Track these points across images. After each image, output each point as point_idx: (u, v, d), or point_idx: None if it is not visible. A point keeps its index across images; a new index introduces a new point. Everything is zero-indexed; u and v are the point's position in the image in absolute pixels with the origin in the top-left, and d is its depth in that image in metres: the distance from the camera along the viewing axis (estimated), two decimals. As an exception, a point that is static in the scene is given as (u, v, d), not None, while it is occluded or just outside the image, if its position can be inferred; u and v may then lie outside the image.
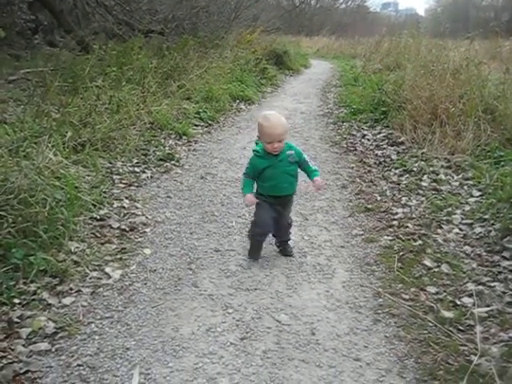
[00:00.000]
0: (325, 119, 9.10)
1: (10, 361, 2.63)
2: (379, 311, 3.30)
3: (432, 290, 3.50)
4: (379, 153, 6.67)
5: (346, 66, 17.99)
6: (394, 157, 6.38)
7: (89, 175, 4.97)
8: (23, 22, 12.34)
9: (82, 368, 2.66)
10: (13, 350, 2.71)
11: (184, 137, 6.89)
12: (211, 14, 14.25)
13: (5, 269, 3.25)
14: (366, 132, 7.75)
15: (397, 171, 5.89)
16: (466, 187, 5.19)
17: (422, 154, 6.14)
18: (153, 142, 6.34)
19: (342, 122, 8.62)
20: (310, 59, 21.35)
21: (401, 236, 4.29)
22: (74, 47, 10.01)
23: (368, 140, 7.38)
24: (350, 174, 6.02)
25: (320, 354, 2.89)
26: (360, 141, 7.40)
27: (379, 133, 7.49)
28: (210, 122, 7.95)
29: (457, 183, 5.33)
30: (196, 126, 7.58)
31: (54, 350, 2.77)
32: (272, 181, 3.63)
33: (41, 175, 3.99)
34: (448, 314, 3.21)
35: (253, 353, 2.85)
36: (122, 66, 7.94)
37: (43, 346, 2.78)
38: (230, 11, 15.08)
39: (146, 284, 3.48)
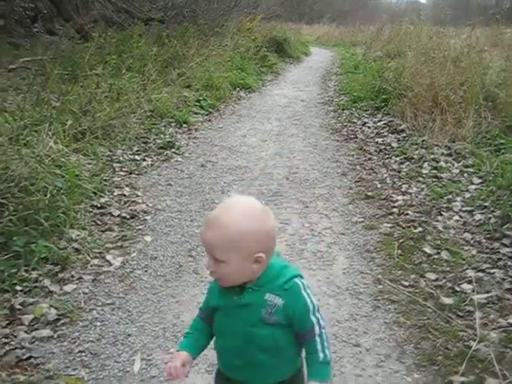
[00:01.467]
0: (325, 107, 9.09)
1: (12, 347, 2.65)
2: (379, 297, 3.32)
3: (432, 276, 3.52)
4: (380, 140, 6.67)
5: (347, 53, 17.92)
6: (394, 144, 6.38)
7: (89, 163, 4.98)
8: (22, 11, 12.29)
9: (84, 354, 2.68)
10: (15, 336, 2.73)
11: (184, 125, 6.89)
12: (211, 2, 14.18)
13: (6, 256, 3.27)
14: (366, 120, 7.74)
15: (397, 159, 5.89)
16: (466, 174, 5.20)
17: (423, 141, 6.14)
18: (153, 130, 6.34)
19: (343, 109, 8.61)
20: (311, 47, 21.27)
21: (401, 223, 4.30)
22: (74, 35, 9.98)
23: (368, 128, 7.37)
24: (351, 161, 6.03)
25: (320, 340, 2.90)
26: (360, 128, 7.39)
27: (380, 120, 7.48)
28: (210, 110, 7.94)
29: (457, 170, 5.33)
30: (196, 114, 7.57)
31: (56, 336, 2.79)
32: (222, 340, 1.67)
33: (41, 163, 4.00)
34: (447, 301, 3.22)
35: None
36: (122, 53, 7.93)
37: (45, 332, 2.80)
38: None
39: (146, 271, 3.50)
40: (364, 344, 2.89)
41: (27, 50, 9.19)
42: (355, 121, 7.81)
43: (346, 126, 7.65)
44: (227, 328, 1.63)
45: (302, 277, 1.60)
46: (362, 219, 4.46)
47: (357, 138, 7.02)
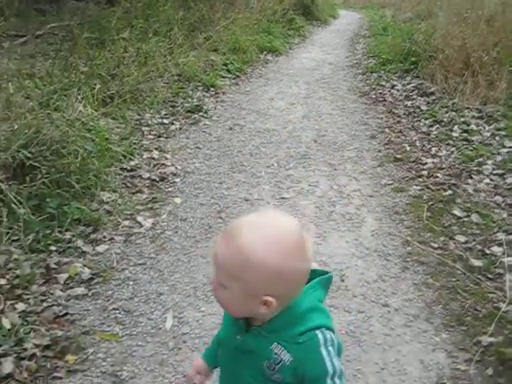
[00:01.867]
0: (353, 70, 8.96)
1: (49, 304, 2.73)
2: (408, 259, 3.33)
3: (461, 239, 3.51)
4: (409, 103, 6.57)
5: (375, 15, 17.54)
6: (423, 107, 6.29)
7: (118, 127, 5.02)
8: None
9: (117, 311, 2.75)
10: (52, 294, 2.82)
11: (212, 88, 6.86)
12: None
13: (40, 218, 3.34)
14: (395, 82, 7.62)
15: (427, 122, 5.81)
16: (497, 138, 5.11)
17: (453, 104, 6.04)
18: (180, 93, 6.34)
19: (371, 72, 8.48)
20: (339, 9, 20.86)
21: (430, 186, 4.27)
22: (100, 0, 9.94)
23: (397, 90, 7.26)
24: (379, 124, 5.96)
25: (349, 300, 2.94)
26: (389, 91, 7.29)
27: (409, 83, 7.36)
28: (237, 73, 7.88)
29: (488, 133, 5.24)
30: (223, 77, 7.53)
31: (90, 294, 2.87)
32: (222, 378, 1.41)
33: (72, 127, 4.04)
34: (477, 263, 3.22)
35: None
36: (149, 18, 7.88)
37: (80, 290, 2.88)
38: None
39: (177, 232, 3.55)
40: (393, 304, 2.92)
41: (53, 16, 9.19)
42: (384, 83, 7.70)
43: (374, 88, 7.55)
44: (228, 367, 1.36)
45: (329, 329, 1.22)
46: (390, 182, 4.44)
47: (385, 100, 6.93)
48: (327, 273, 1.32)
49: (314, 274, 1.27)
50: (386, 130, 5.74)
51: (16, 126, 3.78)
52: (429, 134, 5.46)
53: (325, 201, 4.07)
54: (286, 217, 1.22)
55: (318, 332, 1.20)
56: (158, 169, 4.45)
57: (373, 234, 3.63)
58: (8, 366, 2.28)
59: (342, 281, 3.10)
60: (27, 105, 4.42)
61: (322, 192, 4.20)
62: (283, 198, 4.07)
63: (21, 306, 2.66)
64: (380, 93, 7.31)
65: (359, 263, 3.29)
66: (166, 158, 4.67)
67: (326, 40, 12.31)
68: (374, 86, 7.66)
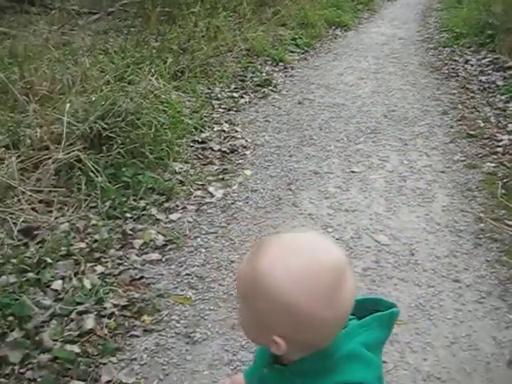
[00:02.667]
0: (424, 45, 8.71)
1: (126, 267, 2.85)
2: (480, 236, 3.26)
3: (538, 216, 3.40)
4: (483, 78, 6.34)
5: (449, -12, 16.91)
6: (499, 82, 6.06)
7: (189, 100, 5.10)
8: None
9: (190, 277, 2.84)
10: (128, 258, 2.93)
11: (280, 63, 6.84)
12: None
13: (116, 186, 3.48)
14: (469, 57, 7.36)
15: (503, 97, 5.60)
16: None
17: (532, 78, 5.80)
18: (249, 68, 6.36)
19: (443, 47, 8.21)
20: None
21: (505, 163, 4.14)
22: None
23: (471, 65, 7.01)
24: (452, 100, 5.80)
25: (419, 274, 2.92)
26: (462, 66, 7.05)
27: (484, 58, 7.09)
28: (305, 48, 7.81)
29: None
30: (292, 52, 7.49)
31: (164, 259, 2.97)
32: None
33: (145, 99, 4.14)
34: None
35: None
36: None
37: (154, 256, 2.98)
38: None
39: (247, 203, 3.60)
40: (464, 280, 2.88)
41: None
42: (457, 58, 7.45)
43: (446, 63, 7.32)
44: None
45: None
46: (463, 158, 4.33)
47: (458, 76, 6.71)
48: (393, 305, 1.06)
49: (377, 304, 1.07)
50: (459, 105, 5.58)
51: (93, 98, 3.91)
52: (505, 110, 5.27)
53: (395, 175, 4.02)
54: (329, 248, 0.96)
55: None
56: (229, 141, 4.50)
57: (444, 210, 3.57)
58: (90, 322, 2.40)
59: (412, 255, 3.08)
60: (103, 78, 4.57)
61: (393, 167, 4.15)
62: (353, 171, 4.05)
63: (99, 269, 2.79)
64: (453, 68, 7.08)
65: (430, 238, 3.25)
66: (236, 131, 4.72)
67: (396, 14, 11.98)
68: (446, 61, 7.42)
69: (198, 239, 3.17)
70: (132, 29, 6.21)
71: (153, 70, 4.80)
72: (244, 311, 1.01)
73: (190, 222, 3.34)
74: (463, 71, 6.85)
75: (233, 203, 3.59)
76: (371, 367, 0.99)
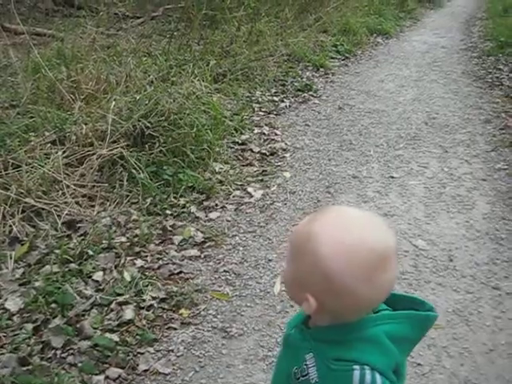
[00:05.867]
0: (468, 53, 8.60)
1: (165, 262, 2.89)
2: (523, 244, 3.21)
3: None
4: (528, 88, 6.24)
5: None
6: (545, 92, 5.95)
7: (230, 103, 5.15)
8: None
9: (228, 274, 2.87)
10: (167, 253, 2.98)
11: (321, 69, 6.85)
12: None
13: (157, 184, 3.54)
14: (514, 66, 7.25)
15: (548, 107, 5.51)
16: None
17: None
18: (290, 73, 6.38)
19: (488, 55, 8.10)
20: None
21: (549, 172, 4.07)
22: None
23: (517, 74, 6.90)
24: (495, 108, 5.71)
25: (457, 280, 2.89)
26: (507, 75, 6.93)
27: (529, 67, 6.98)
28: (346, 54, 7.80)
29: None
30: (333, 58, 7.49)
31: (202, 256, 3.00)
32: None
33: (188, 99, 4.20)
34: None
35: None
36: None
37: (193, 252, 3.02)
38: None
39: (285, 204, 3.62)
40: (504, 288, 2.84)
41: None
42: (501, 67, 7.33)
43: (490, 72, 7.22)
44: (277, 363, 1.24)
45: (377, 371, 0.99)
46: (505, 166, 4.26)
47: (502, 85, 6.60)
48: (432, 309, 1.08)
49: (417, 305, 1.08)
50: (502, 114, 5.49)
51: (137, 97, 3.99)
52: (549, 120, 5.17)
53: (435, 182, 3.98)
54: (381, 229, 1.00)
55: (356, 368, 0.99)
56: (268, 144, 4.53)
57: (485, 218, 3.52)
58: (129, 313, 2.45)
59: (451, 260, 3.05)
60: (146, 79, 4.65)
61: (432, 173, 4.11)
62: (392, 176, 4.02)
63: (139, 262, 2.85)
64: (497, 77, 6.97)
65: (469, 245, 3.21)
66: (276, 134, 4.75)
67: (439, 23, 11.86)
68: (490, 70, 7.32)
69: (237, 238, 3.20)
70: (175, 33, 6.31)
71: (195, 72, 4.86)
72: (289, 268, 1.06)
73: (228, 221, 3.37)
74: (508, 80, 6.75)
75: (271, 204, 3.61)
76: (386, 355, 1.01)
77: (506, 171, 4.18)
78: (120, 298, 2.53)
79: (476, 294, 2.78)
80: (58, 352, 2.21)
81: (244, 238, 3.20)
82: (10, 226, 2.95)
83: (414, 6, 12.63)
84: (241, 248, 3.10)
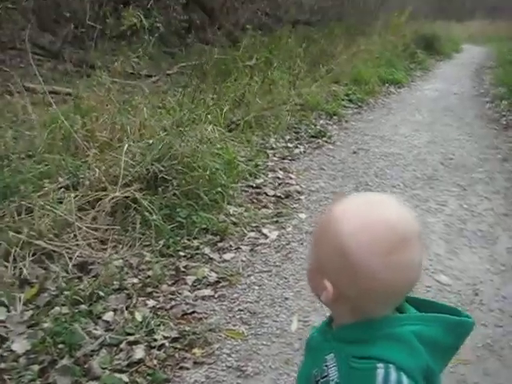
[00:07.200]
0: (480, 99, 8.63)
1: (178, 302, 2.80)
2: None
3: None
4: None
5: (503, 48, 16.81)
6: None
7: (243, 150, 5.13)
8: (178, 22, 13.04)
9: (242, 313, 2.76)
10: (180, 293, 2.88)
11: (334, 116, 6.87)
12: (356, 4, 14.11)
13: (171, 226, 3.47)
14: (528, 109, 7.23)
15: None
16: None
17: None
18: (304, 121, 6.40)
19: (500, 100, 8.09)
20: (462, 44, 20.29)
21: None
22: (225, 44, 10.40)
23: (532, 116, 6.87)
24: (512, 147, 5.65)
25: (485, 314, 2.77)
26: (522, 117, 6.92)
27: (544, 109, 6.95)
28: (359, 103, 7.84)
29: None
30: (345, 107, 7.52)
31: (216, 296, 2.90)
32: None
33: (201, 143, 4.19)
34: None
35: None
36: (272, 51, 8.11)
37: (207, 292, 2.92)
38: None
39: (302, 244, 3.53)
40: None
41: (182, 58, 9.74)
42: (516, 110, 7.32)
43: (504, 115, 7.20)
44: (299, 369, 1.15)
45: (403, 371, 0.89)
46: (527, 202, 4.16)
47: (518, 126, 6.57)
48: (467, 316, 0.99)
49: (450, 311, 0.99)
50: (521, 152, 5.43)
51: (151, 141, 3.99)
52: None
53: (454, 219, 3.89)
54: (402, 211, 0.95)
55: (380, 366, 0.90)
56: (283, 187, 4.47)
57: (509, 252, 3.42)
58: (139, 352, 2.34)
59: (476, 295, 2.93)
60: (160, 126, 4.67)
61: (451, 210, 4.02)
62: (410, 214, 3.93)
63: (151, 303, 2.75)
64: (511, 119, 6.94)
65: (495, 279, 3.10)
66: (291, 178, 4.70)
67: (450, 73, 11.97)
68: (504, 113, 7.31)
69: (252, 277, 3.10)
70: (188, 89, 6.40)
71: (209, 118, 4.88)
72: (311, 258, 1.03)
73: (243, 261, 3.28)
74: (523, 122, 6.72)
75: (287, 244, 3.52)
76: (415, 357, 0.92)
77: (527, 207, 4.08)
78: (130, 338, 2.42)
79: (506, 328, 2.66)
80: (65, 392, 2.10)
81: (259, 278, 3.10)
82: (21, 268, 2.89)
83: (423, 58, 12.77)
84: (256, 287, 3.00)
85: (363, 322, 0.95)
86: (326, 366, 0.98)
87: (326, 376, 0.97)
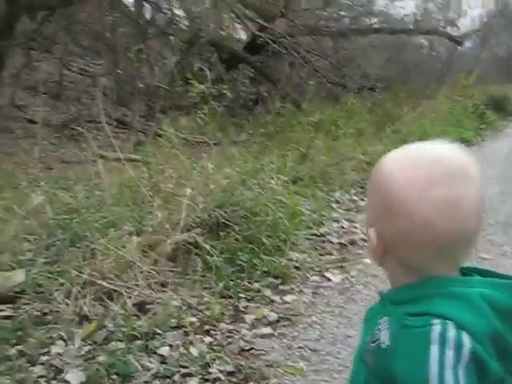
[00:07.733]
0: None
1: (236, 339, 2.70)
2: None
3: None
4: None
5: None
6: None
7: (307, 203, 5.08)
8: (246, 95, 13.45)
9: (303, 350, 2.64)
10: (238, 331, 2.80)
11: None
12: (422, 70, 14.17)
13: (232, 269, 3.42)
14: None
15: None
16: None
17: None
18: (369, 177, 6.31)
19: None
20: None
21: None
22: (291, 109, 10.60)
23: None
24: None
25: None
26: None
27: None
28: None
29: None
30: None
31: (276, 334, 2.80)
32: None
33: (264, 190, 4.18)
34: None
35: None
36: (336, 111, 8.18)
37: (266, 330, 2.83)
38: (442, 65, 14.85)
39: (366, 286, 3.40)
40: None
41: (249, 127, 10.00)
42: None
43: None
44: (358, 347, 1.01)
45: (462, 328, 0.77)
46: None
47: None
48: None
49: None
50: None
51: (212, 186, 4.02)
52: None
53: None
54: (455, 150, 0.85)
55: (436, 322, 0.77)
56: (348, 236, 4.37)
57: None
58: (193, 384, 2.25)
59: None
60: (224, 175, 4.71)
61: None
62: (483, 258, 3.72)
63: (208, 339, 2.68)
64: None
65: None
66: (356, 228, 4.59)
67: (522, 132, 11.68)
68: None
69: (313, 317, 2.99)
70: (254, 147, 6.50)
71: (273, 166, 4.88)
72: (366, 215, 0.96)
73: (305, 303, 3.17)
74: None
75: (351, 286, 3.40)
76: (480, 317, 0.78)
77: None
78: (184, 370, 2.34)
79: None
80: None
81: (321, 317, 2.98)
82: (81, 306, 2.90)
83: (493, 118, 12.54)
84: (317, 326, 2.88)
85: (420, 282, 0.85)
86: (378, 329, 0.86)
87: (376, 340, 0.86)
